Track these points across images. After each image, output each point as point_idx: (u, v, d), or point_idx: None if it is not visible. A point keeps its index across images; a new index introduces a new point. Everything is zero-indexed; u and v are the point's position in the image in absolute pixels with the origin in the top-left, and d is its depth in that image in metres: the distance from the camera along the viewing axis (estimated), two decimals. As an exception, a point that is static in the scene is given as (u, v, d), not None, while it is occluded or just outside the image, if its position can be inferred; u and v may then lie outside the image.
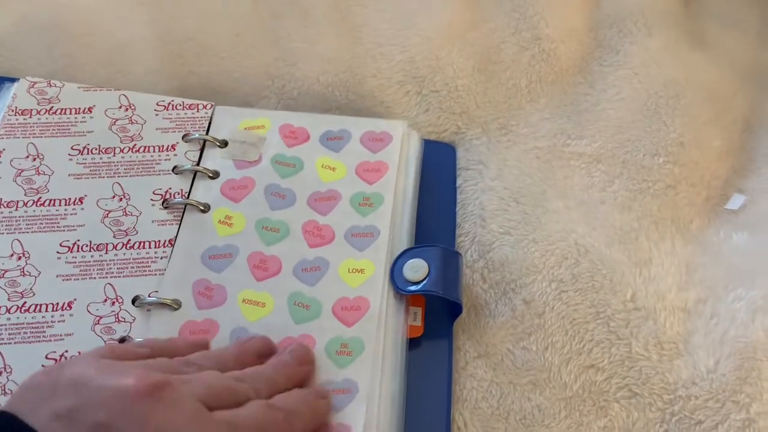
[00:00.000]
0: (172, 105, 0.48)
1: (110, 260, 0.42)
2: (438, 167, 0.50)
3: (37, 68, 0.51)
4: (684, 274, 0.46)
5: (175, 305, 0.41)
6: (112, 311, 0.40)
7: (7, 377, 0.38)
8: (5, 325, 0.39)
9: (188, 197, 0.45)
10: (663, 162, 0.51)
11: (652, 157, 0.51)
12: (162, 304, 0.41)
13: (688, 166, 0.51)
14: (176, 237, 0.43)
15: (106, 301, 0.41)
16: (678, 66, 0.55)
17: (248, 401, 0.33)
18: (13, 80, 0.49)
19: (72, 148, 0.46)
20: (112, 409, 0.28)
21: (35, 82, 0.48)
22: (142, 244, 0.43)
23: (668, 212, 0.49)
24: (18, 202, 0.43)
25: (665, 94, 0.54)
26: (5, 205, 0.43)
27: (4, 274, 0.41)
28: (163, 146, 0.46)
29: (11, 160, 0.45)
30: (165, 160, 0.46)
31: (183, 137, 0.47)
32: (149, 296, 0.41)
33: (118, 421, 0.28)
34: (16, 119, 0.47)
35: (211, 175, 0.46)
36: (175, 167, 0.46)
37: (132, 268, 0.42)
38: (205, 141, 0.47)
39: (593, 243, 0.47)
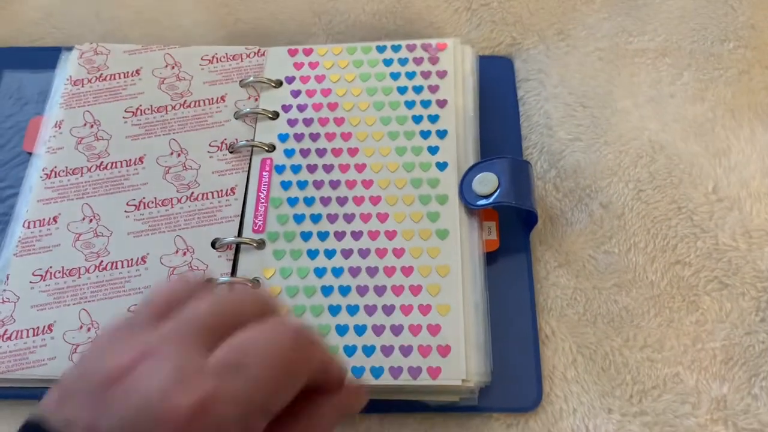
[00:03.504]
0: (217, 58, 0.48)
1: (177, 214, 0.43)
2: (496, 82, 0.49)
3: (89, 34, 0.52)
4: (766, 159, 0.44)
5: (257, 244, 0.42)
6: (185, 261, 0.41)
7: (95, 332, 0.40)
8: (86, 284, 0.41)
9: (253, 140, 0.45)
10: (733, 47, 0.49)
11: (721, 44, 0.49)
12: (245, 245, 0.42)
13: (761, 48, 0.49)
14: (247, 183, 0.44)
15: (177, 252, 0.42)
16: (740, -55, 0.52)
17: None
18: (69, 49, 0.49)
19: (126, 111, 0.47)
20: None
21: (83, 52, 0.49)
22: (205, 195, 0.43)
23: (744, 98, 0.47)
24: (82, 168, 0.45)
25: (729, -25, 0.51)
26: (71, 172, 0.45)
27: (79, 237, 0.42)
28: (213, 99, 0.47)
29: (71, 129, 0.46)
30: (216, 112, 0.46)
31: (240, 83, 0.47)
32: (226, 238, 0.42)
33: None
34: (71, 89, 0.48)
35: (270, 116, 0.46)
36: (236, 113, 0.46)
37: (199, 218, 0.43)
38: (260, 84, 0.47)
39: (667, 138, 0.45)
